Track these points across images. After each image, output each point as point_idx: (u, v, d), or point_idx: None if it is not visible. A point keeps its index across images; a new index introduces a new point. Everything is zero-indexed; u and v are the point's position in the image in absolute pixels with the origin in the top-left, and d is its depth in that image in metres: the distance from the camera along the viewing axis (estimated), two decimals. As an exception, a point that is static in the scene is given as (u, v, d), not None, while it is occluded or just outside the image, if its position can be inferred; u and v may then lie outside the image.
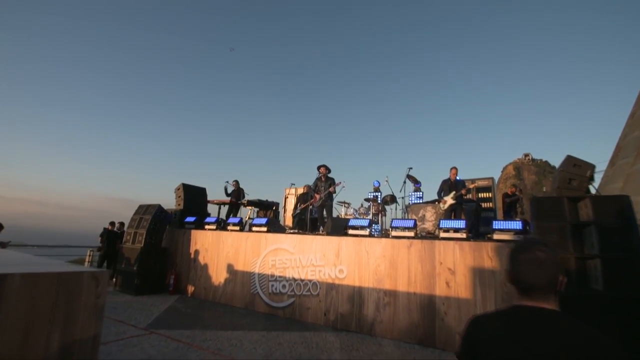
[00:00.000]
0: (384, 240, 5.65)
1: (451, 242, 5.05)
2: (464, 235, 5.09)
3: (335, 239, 6.17)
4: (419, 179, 9.40)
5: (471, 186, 7.39)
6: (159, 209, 8.40)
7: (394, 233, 5.66)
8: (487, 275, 4.71)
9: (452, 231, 5.16)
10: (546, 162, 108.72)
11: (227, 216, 9.88)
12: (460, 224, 5.18)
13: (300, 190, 10.89)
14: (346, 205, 9.67)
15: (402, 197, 8.91)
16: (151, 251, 8.16)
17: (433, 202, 8.35)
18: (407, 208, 8.33)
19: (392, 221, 5.91)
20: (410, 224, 5.57)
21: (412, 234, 5.50)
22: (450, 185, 7.48)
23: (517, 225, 4.74)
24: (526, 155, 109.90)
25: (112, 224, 10.93)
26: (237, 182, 10.55)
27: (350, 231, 6.16)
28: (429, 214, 7.79)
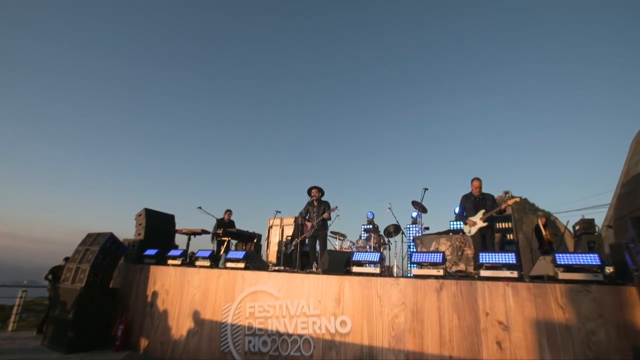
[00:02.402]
0: (402, 280, 4.20)
1: (500, 284, 3.66)
2: (516, 274, 3.72)
3: (334, 279, 4.68)
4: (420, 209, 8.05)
5: (510, 203, 5.72)
6: (109, 238, 6.69)
7: (415, 271, 4.23)
8: (560, 332, 3.30)
9: (498, 268, 3.79)
10: (525, 199, 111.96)
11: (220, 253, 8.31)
12: (510, 257, 3.82)
13: (289, 220, 9.41)
14: (341, 237, 8.21)
15: (408, 227, 7.58)
16: (95, 293, 6.35)
17: (447, 232, 7.02)
18: (416, 240, 6.96)
19: (411, 255, 4.49)
20: (438, 258, 4.14)
21: (440, 272, 4.07)
22: (475, 201, 5.81)
23: (593, 259, 3.42)
24: (506, 192, 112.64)
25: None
26: (230, 212, 9.12)
27: (355, 268, 4.68)
28: (444, 247, 6.42)
